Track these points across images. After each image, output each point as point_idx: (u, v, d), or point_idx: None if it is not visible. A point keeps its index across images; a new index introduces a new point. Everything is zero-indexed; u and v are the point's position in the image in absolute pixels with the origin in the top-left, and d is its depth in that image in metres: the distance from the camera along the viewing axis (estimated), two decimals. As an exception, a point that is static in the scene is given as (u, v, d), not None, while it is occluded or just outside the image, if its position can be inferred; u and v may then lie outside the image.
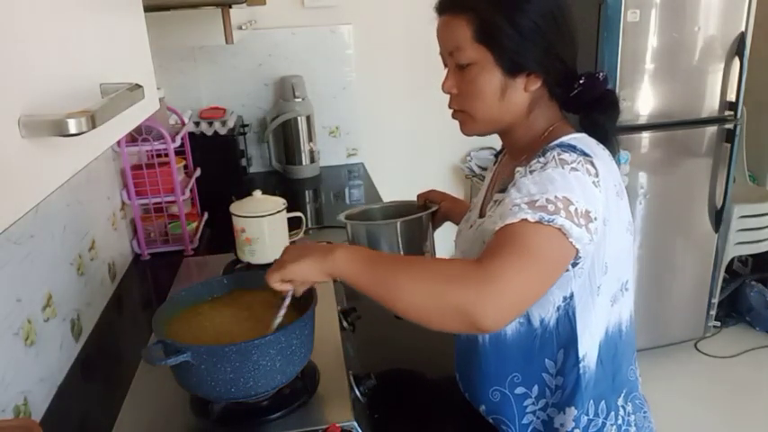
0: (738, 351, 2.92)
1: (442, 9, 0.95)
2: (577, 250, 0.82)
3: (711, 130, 2.59)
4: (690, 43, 2.46)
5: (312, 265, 0.85)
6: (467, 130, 1.00)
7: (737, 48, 2.50)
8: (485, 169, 2.59)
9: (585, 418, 0.95)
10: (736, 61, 2.51)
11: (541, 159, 0.86)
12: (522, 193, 0.83)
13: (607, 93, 0.96)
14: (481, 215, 1.04)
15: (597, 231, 0.83)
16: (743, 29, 2.49)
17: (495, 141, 1.04)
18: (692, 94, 2.55)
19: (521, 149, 0.98)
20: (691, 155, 2.61)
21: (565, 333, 0.92)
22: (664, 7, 2.38)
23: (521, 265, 0.78)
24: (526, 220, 0.79)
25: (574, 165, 0.83)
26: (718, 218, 2.73)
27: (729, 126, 2.60)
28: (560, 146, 0.88)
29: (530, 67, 0.91)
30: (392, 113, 2.68)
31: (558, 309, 0.92)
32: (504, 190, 0.94)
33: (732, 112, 2.59)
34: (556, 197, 0.80)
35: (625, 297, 0.97)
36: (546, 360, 0.95)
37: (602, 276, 0.90)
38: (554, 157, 0.85)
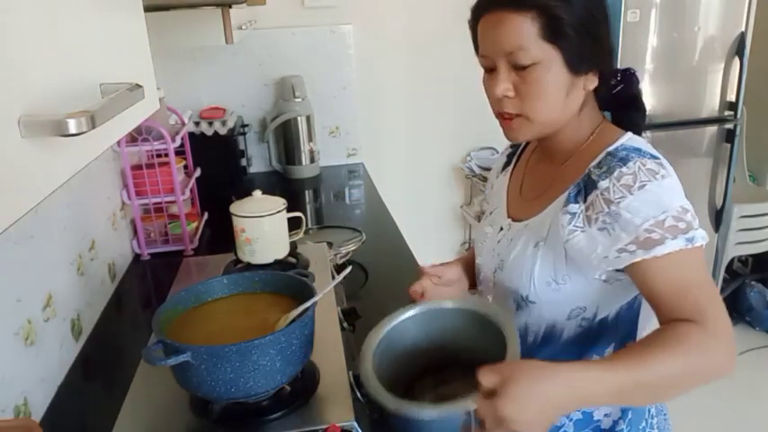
0: (738, 351, 2.86)
1: (497, 3, 0.85)
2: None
3: (711, 130, 2.59)
4: (690, 43, 2.46)
5: (546, 421, 0.69)
6: (519, 135, 0.92)
7: (737, 48, 2.50)
8: (485, 169, 2.58)
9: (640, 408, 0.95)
10: (736, 61, 2.51)
11: (625, 170, 0.82)
12: (642, 217, 0.80)
13: (639, 90, 0.95)
14: (514, 219, 1.00)
15: None
16: (743, 29, 2.49)
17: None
18: (692, 94, 2.55)
19: (562, 153, 0.94)
20: (691, 155, 2.61)
21: (624, 327, 0.92)
22: (664, 7, 2.38)
23: (718, 303, 0.79)
24: (682, 249, 0.79)
25: (662, 172, 0.82)
26: (719, 218, 2.73)
27: (729, 126, 2.60)
28: (626, 149, 0.86)
29: (596, 64, 0.87)
30: (392, 113, 2.68)
31: (623, 304, 0.91)
32: (575, 199, 0.87)
33: (732, 112, 2.59)
34: (677, 210, 0.80)
35: None
36: (594, 356, 0.94)
37: None
38: (640, 167, 0.82)
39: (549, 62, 0.84)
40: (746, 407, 2.60)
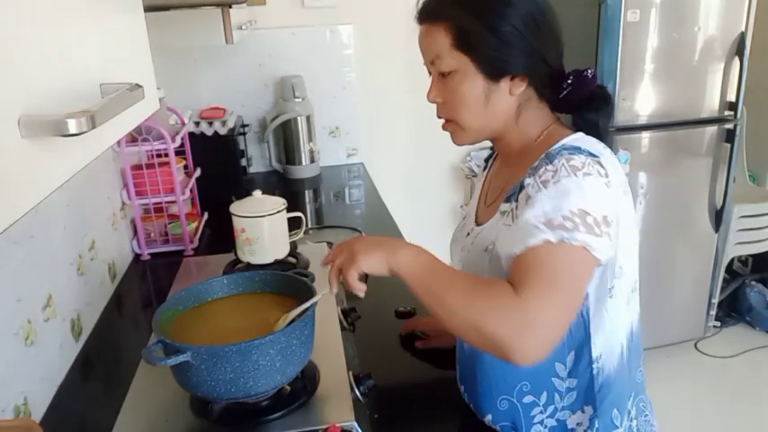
0: (738, 351, 2.92)
1: (421, 18, 0.95)
2: (598, 259, 0.81)
3: (711, 130, 2.59)
4: (690, 43, 2.46)
5: (381, 259, 0.85)
6: (457, 140, 1.00)
7: (737, 48, 2.50)
8: (485, 169, 2.58)
9: (605, 418, 0.93)
10: (736, 61, 2.51)
11: (549, 167, 0.83)
12: (537, 211, 0.81)
13: (598, 89, 0.94)
14: (477, 223, 1.02)
15: (615, 234, 0.82)
16: (743, 29, 2.49)
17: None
18: (692, 94, 2.55)
19: (515, 156, 0.96)
20: (691, 155, 2.61)
21: (578, 335, 0.91)
22: (664, 7, 2.38)
23: (552, 296, 0.77)
24: (549, 241, 0.78)
25: (585, 169, 0.81)
26: (719, 218, 2.73)
27: (729, 126, 2.60)
28: (565, 148, 0.86)
29: (512, 70, 0.90)
30: (392, 113, 2.68)
31: None
32: (509, 199, 0.91)
33: (732, 112, 2.59)
34: (571, 212, 0.78)
35: (634, 296, 0.96)
36: (556, 364, 0.93)
37: (617, 279, 0.89)
38: (563, 163, 0.82)
39: (464, 70, 0.90)
40: (746, 407, 2.60)
